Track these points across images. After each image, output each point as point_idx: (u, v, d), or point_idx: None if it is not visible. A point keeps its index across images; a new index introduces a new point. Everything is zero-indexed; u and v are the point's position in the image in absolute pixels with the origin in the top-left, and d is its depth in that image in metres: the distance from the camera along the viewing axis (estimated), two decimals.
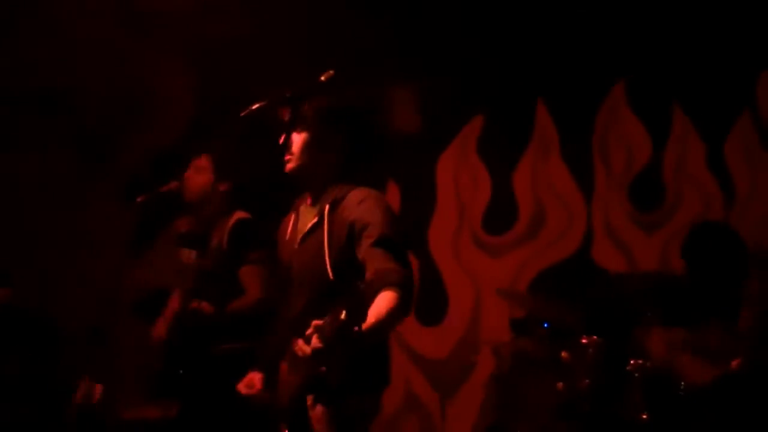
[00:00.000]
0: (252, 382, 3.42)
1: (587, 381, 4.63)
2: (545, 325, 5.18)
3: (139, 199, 4.50)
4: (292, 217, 3.44)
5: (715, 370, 4.45)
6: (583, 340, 4.74)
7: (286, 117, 3.17)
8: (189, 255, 4.55)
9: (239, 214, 4.59)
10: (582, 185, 6.05)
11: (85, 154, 6.00)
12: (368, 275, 2.99)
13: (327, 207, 3.22)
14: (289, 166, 3.27)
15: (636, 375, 4.47)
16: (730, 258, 4.65)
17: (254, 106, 3.14)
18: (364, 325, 2.76)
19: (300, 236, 3.30)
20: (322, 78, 3.10)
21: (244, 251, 4.48)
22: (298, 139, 3.26)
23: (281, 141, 3.25)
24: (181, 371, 4.45)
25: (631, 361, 4.50)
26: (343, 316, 2.60)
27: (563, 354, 4.78)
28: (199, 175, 4.62)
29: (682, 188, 5.86)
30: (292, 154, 3.26)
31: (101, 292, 5.46)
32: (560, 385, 4.74)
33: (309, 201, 3.38)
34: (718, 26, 5.65)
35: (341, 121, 3.29)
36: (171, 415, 4.49)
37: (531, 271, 6.07)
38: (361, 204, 3.16)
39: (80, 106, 5.88)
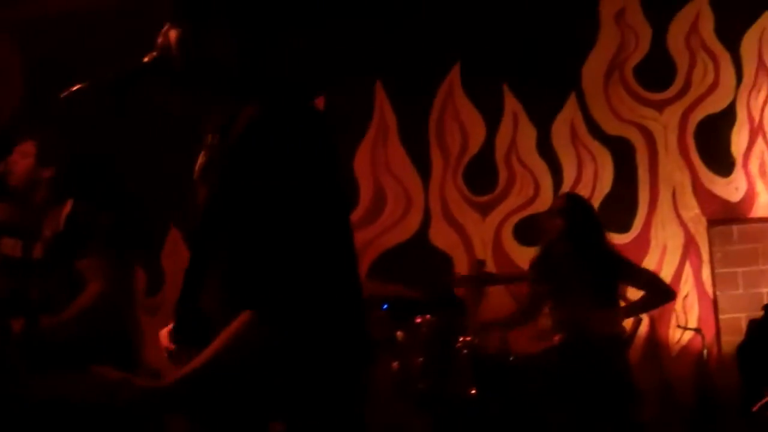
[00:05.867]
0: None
1: (420, 359, 4.74)
2: (384, 307, 5.26)
3: None
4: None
5: (539, 344, 4.65)
6: (417, 320, 4.84)
7: None
8: (14, 245, 4.37)
9: (73, 202, 4.33)
10: (419, 168, 6.16)
11: None
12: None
13: (210, 137, 2.21)
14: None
15: (464, 351, 4.60)
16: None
17: (74, 88, 3.02)
18: (183, 370, 1.95)
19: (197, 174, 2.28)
20: (146, 59, 2.98)
21: (84, 240, 4.21)
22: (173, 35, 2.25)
23: None
24: None
25: (460, 339, 4.64)
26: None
27: (398, 333, 4.87)
28: (23, 160, 4.44)
29: (513, 171, 6.04)
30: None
31: None
32: (395, 364, 4.83)
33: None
34: (547, 6, 5.85)
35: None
36: None
37: (371, 254, 6.14)
38: (252, 140, 2.01)
39: None
